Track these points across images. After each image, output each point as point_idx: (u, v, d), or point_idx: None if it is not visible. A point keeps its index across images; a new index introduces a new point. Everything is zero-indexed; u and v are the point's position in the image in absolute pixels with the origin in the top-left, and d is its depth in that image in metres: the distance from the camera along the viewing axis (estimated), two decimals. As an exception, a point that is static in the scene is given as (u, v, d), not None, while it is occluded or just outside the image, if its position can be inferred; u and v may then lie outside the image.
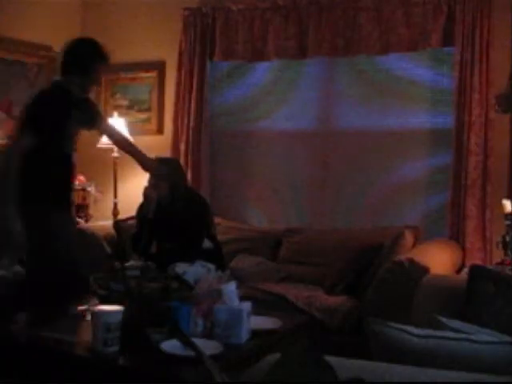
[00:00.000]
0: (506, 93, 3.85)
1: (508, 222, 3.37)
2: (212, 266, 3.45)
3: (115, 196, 4.84)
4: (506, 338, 1.52)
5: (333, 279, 3.74)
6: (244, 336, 2.48)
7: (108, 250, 4.16)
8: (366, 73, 4.39)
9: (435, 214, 4.18)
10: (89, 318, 2.57)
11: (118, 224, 4.20)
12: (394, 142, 4.29)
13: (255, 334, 2.53)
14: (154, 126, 5.00)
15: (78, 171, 4.94)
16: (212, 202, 4.57)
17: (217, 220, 4.17)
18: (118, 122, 4.82)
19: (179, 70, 4.71)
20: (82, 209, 4.91)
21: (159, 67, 4.96)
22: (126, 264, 3.01)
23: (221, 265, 3.49)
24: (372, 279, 3.40)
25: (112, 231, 4.18)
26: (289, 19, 4.37)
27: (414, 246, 3.72)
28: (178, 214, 3.65)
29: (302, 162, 4.57)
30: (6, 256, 3.80)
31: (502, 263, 3.31)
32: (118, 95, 5.14)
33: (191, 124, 4.64)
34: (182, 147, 4.66)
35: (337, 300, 3.49)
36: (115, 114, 4.86)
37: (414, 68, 4.23)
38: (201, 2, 4.70)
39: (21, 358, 2.47)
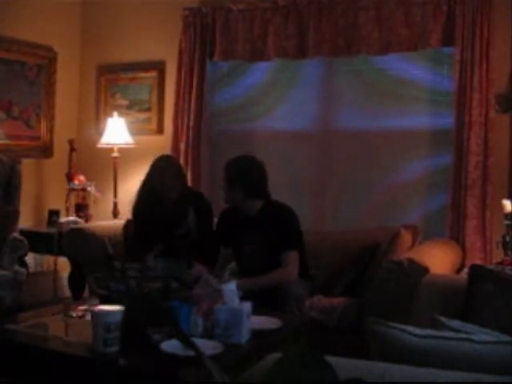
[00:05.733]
0: (506, 93, 3.85)
1: (508, 222, 3.37)
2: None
3: (115, 196, 4.84)
4: (506, 338, 1.52)
5: (332, 280, 3.74)
6: (244, 336, 2.48)
7: (110, 249, 4.14)
8: (366, 73, 4.39)
9: (435, 214, 4.17)
10: (89, 317, 2.57)
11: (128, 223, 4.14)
12: (394, 143, 4.28)
13: (255, 334, 2.53)
14: (154, 125, 5.00)
15: (78, 171, 4.97)
16: (212, 202, 4.57)
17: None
18: (117, 122, 4.83)
19: (179, 69, 4.70)
20: (82, 209, 4.91)
21: (159, 67, 4.96)
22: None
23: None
24: (371, 279, 3.40)
25: (112, 231, 4.16)
26: (289, 19, 4.36)
27: (412, 245, 3.72)
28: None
29: (302, 162, 4.56)
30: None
31: (502, 263, 3.30)
32: (117, 95, 5.14)
33: (191, 124, 4.63)
34: (182, 147, 4.65)
35: (336, 300, 3.49)
36: (115, 113, 4.86)
37: (413, 68, 4.22)
38: (201, 2, 4.70)
39: (21, 358, 2.47)
